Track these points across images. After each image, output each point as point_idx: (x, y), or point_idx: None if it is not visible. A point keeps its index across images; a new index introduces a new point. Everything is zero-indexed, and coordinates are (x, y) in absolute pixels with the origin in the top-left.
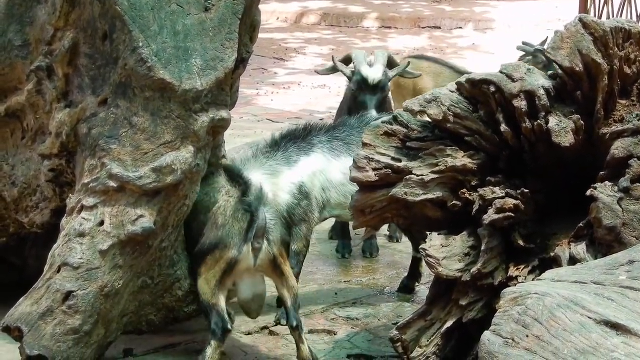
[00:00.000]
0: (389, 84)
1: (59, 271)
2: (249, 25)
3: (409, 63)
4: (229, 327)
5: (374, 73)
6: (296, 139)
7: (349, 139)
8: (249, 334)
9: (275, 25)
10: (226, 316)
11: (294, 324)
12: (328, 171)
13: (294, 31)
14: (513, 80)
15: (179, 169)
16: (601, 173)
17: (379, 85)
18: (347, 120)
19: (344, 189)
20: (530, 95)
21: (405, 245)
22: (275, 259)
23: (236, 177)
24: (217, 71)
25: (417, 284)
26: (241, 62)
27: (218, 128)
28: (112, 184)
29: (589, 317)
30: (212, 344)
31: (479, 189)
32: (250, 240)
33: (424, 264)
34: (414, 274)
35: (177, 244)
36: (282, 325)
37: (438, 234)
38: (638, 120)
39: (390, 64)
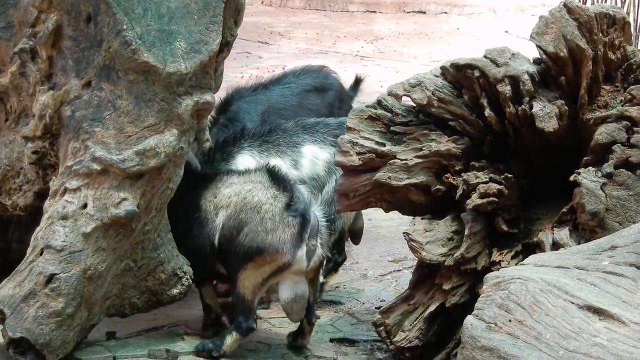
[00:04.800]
0: None
1: (41, 254)
2: (234, 8)
3: None
4: (254, 326)
5: None
6: (226, 144)
7: (280, 140)
8: None
9: (260, 8)
10: (254, 316)
11: (313, 320)
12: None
13: (278, 15)
14: (497, 65)
15: (162, 152)
16: (585, 158)
17: None
18: (283, 124)
19: None
20: (514, 80)
21: (388, 229)
22: (323, 261)
23: (282, 182)
24: (202, 54)
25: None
26: (225, 46)
27: (202, 111)
28: (96, 166)
29: (571, 302)
30: (233, 334)
31: (462, 174)
32: (305, 241)
33: None
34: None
35: (161, 227)
36: None
37: (421, 219)
38: (622, 106)
39: None
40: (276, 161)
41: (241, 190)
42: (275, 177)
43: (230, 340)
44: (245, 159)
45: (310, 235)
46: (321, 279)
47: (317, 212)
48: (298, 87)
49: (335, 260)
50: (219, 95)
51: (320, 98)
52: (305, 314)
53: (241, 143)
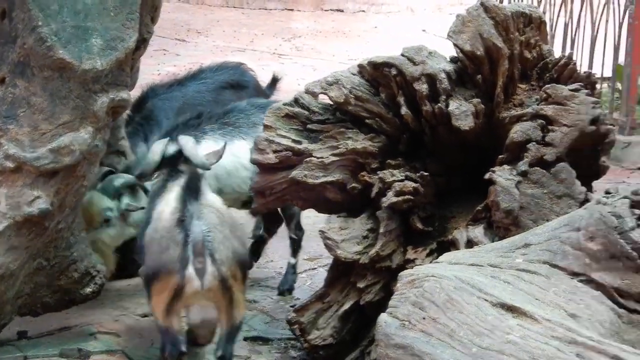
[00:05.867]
0: None
1: None
2: (151, 5)
3: None
4: (183, 348)
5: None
6: (188, 127)
7: (240, 122)
8: (145, 316)
9: (177, 5)
10: (180, 337)
11: (219, 354)
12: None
13: (196, 12)
14: (414, 64)
15: (77, 149)
16: (500, 156)
17: None
18: (238, 105)
19: (237, 175)
20: (431, 79)
21: (305, 227)
22: (225, 280)
23: (188, 194)
24: (118, 51)
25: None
26: (142, 43)
27: (118, 108)
28: (9, 164)
29: (485, 300)
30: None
31: (378, 172)
32: (190, 260)
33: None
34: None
35: (74, 225)
36: None
37: (337, 217)
38: (537, 105)
39: None
40: (240, 143)
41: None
42: (189, 189)
43: None
44: (209, 144)
45: (196, 253)
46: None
47: (203, 228)
48: (214, 83)
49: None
50: (135, 93)
51: (236, 95)
52: (217, 348)
53: (203, 128)
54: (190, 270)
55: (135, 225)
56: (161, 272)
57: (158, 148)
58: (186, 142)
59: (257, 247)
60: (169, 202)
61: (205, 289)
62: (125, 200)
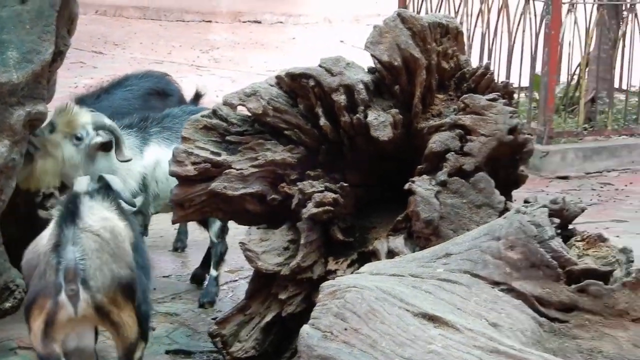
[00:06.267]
0: None
1: None
2: (67, 17)
3: None
4: None
5: None
6: (130, 128)
7: (176, 127)
8: None
9: (94, 18)
10: None
11: None
12: (164, 162)
13: (113, 24)
14: (332, 74)
15: None
16: (419, 167)
17: None
18: (171, 111)
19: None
20: (349, 89)
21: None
22: (101, 307)
23: (68, 216)
24: (34, 64)
25: (207, 274)
26: (59, 55)
27: (34, 122)
28: None
29: (406, 310)
30: None
31: (298, 183)
32: (62, 287)
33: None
34: (207, 264)
35: None
36: None
37: (257, 228)
38: (455, 115)
39: None
40: None
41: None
42: (66, 213)
43: None
44: (154, 149)
45: (67, 280)
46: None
47: (77, 254)
48: (140, 90)
49: None
50: (52, 105)
51: (162, 103)
52: None
53: (149, 130)
54: (63, 296)
55: None
56: (38, 297)
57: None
58: (111, 179)
59: (209, 258)
60: (50, 227)
61: (79, 316)
62: None
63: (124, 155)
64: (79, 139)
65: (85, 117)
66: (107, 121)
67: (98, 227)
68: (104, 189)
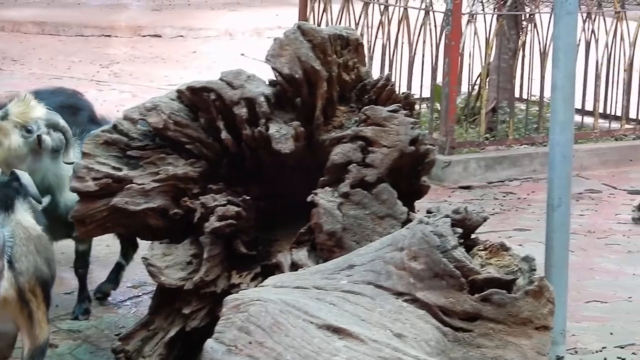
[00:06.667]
0: None
1: None
2: None
3: None
4: None
5: None
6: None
7: None
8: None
9: None
10: None
11: None
12: None
13: (11, 40)
14: (233, 88)
15: None
16: (322, 179)
17: None
18: (90, 127)
19: None
20: (250, 102)
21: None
22: (22, 292)
23: None
24: None
25: (113, 290)
26: None
27: None
28: None
29: (310, 322)
30: None
31: (200, 197)
32: None
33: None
34: (113, 279)
35: None
36: None
37: (160, 243)
38: (357, 126)
39: None
40: None
41: None
42: (2, 200)
43: None
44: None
45: None
46: None
47: (6, 234)
48: (52, 104)
49: None
50: None
51: (74, 117)
52: None
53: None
54: None
55: None
56: None
57: None
58: (22, 174)
59: (116, 274)
60: None
61: (0, 297)
62: None
63: (70, 158)
64: (29, 131)
65: (40, 112)
66: (62, 122)
67: (27, 224)
68: (13, 182)
